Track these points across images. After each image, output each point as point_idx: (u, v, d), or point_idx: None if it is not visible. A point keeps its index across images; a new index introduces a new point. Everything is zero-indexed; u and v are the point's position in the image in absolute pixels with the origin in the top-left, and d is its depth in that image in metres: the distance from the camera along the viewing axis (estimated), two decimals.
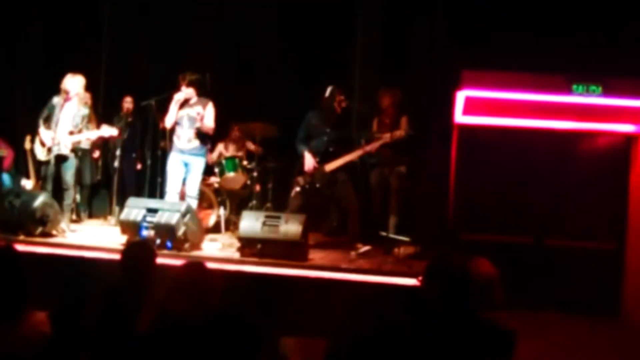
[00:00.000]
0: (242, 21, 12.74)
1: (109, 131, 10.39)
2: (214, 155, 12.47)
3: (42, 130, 10.41)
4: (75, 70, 10.59)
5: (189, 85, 10.21)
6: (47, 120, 10.39)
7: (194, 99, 10.27)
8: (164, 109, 10.37)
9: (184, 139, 10.19)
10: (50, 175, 10.45)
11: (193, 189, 10.25)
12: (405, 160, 10.34)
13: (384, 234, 10.27)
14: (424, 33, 10.01)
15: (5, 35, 12.16)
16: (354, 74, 11.82)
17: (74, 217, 11.12)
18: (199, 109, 10.23)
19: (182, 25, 12.74)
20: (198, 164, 10.28)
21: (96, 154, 12.49)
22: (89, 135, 10.36)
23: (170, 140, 10.44)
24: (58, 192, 10.48)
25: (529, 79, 10.35)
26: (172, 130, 10.35)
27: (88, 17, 13.32)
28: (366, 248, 9.89)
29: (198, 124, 10.17)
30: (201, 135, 10.21)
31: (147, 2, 12.87)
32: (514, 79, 10.34)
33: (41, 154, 10.45)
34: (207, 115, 10.23)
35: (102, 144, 12.32)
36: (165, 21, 12.77)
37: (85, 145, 11.09)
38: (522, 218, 10.59)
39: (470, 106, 10.32)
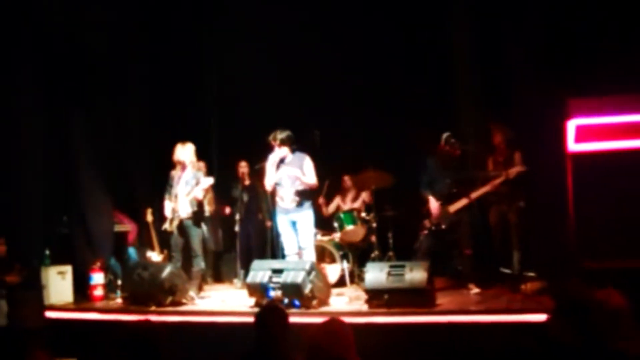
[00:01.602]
0: (345, 74, 12.88)
1: (207, 181, 10.59)
2: (331, 208, 12.65)
3: (166, 203, 10.75)
4: (186, 139, 10.90)
5: (281, 144, 10.22)
6: (169, 194, 10.71)
7: (290, 157, 10.29)
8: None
9: (287, 199, 10.23)
10: (176, 244, 10.75)
11: (307, 241, 10.28)
12: (522, 194, 10.30)
13: (505, 270, 10.24)
14: (525, 66, 9.97)
15: (116, 110, 12.51)
16: (460, 115, 11.83)
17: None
18: (296, 165, 10.24)
19: (287, 84, 12.96)
20: (306, 218, 10.29)
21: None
22: (195, 194, 10.55)
23: (274, 202, 10.55)
24: (186, 261, 10.76)
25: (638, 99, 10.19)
26: (274, 191, 10.44)
27: (194, 84, 13.65)
28: (476, 290, 10.04)
29: (298, 182, 10.20)
30: (304, 191, 10.25)
31: (251, 65, 13.11)
32: (623, 102, 10.20)
33: (167, 226, 10.76)
34: (307, 171, 10.23)
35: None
36: (270, 81, 13.00)
37: (207, 212, 11.33)
38: None
39: (582, 134, 10.21)
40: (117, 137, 12.62)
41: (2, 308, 9.68)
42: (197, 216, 10.67)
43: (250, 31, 13.08)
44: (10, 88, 11.08)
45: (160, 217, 11.43)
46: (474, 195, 10.27)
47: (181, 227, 10.65)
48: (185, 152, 10.70)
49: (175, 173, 10.76)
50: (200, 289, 10.91)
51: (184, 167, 10.71)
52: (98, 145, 11.84)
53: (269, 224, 12.37)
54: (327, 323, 4.92)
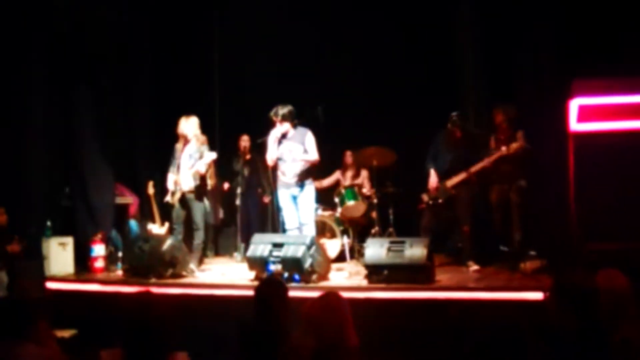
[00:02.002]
0: (349, 49, 12.87)
1: (210, 156, 10.53)
2: (327, 181, 12.69)
3: (169, 176, 10.76)
4: (189, 112, 10.90)
5: (282, 120, 10.18)
6: (173, 167, 10.73)
7: (291, 132, 10.26)
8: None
9: (289, 174, 10.22)
10: (178, 217, 10.77)
11: (307, 216, 10.29)
12: (524, 174, 10.30)
13: (505, 249, 10.27)
14: (531, 46, 9.95)
15: (119, 83, 12.50)
16: (464, 94, 11.80)
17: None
18: (298, 141, 10.24)
19: (291, 57, 12.99)
20: (307, 193, 10.29)
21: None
22: (197, 167, 10.51)
23: (276, 177, 10.55)
24: (187, 234, 10.79)
25: None
26: (276, 166, 10.45)
27: (198, 58, 13.64)
28: (475, 267, 10.14)
29: (300, 157, 10.22)
30: (305, 166, 10.25)
31: (254, 38, 13.12)
32: (627, 83, 10.18)
33: (169, 198, 10.78)
34: (309, 147, 10.23)
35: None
36: (274, 55, 13.03)
37: (208, 186, 11.32)
38: None
39: (585, 114, 10.20)
40: (119, 109, 12.62)
41: (1, 279, 9.68)
42: (200, 190, 10.64)
43: (254, 5, 13.06)
44: (14, 60, 11.07)
45: (161, 190, 11.47)
46: (473, 169, 10.29)
47: (183, 200, 10.65)
48: (189, 125, 10.68)
49: (179, 146, 10.75)
50: (200, 262, 10.92)
51: (187, 140, 10.71)
52: (100, 118, 11.84)
53: (266, 199, 12.39)
54: (322, 297, 4.94)
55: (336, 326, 4.66)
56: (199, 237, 10.66)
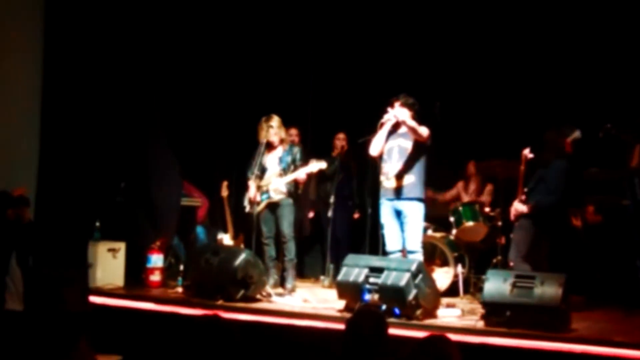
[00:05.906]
0: (472, 43, 12.63)
1: (317, 165, 10.55)
2: (450, 194, 12.54)
3: (250, 184, 10.78)
4: (278, 104, 10.85)
5: (403, 106, 9.92)
6: (251, 171, 10.79)
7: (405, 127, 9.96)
8: None
9: (393, 175, 9.89)
10: (270, 230, 10.84)
11: (414, 242, 9.93)
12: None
13: None
14: None
15: (195, 79, 12.62)
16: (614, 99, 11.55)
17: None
18: (410, 137, 9.89)
19: (400, 50, 12.88)
20: (415, 211, 9.91)
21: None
22: (298, 175, 10.55)
23: (378, 182, 10.30)
24: (259, 247, 10.79)
25: None
26: (377, 170, 10.27)
27: (291, 45, 13.61)
28: None
29: (409, 154, 9.87)
30: (411, 168, 9.89)
31: (354, 28, 13.02)
32: None
33: (250, 208, 10.81)
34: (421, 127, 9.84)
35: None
36: (381, 40, 12.93)
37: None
38: None
39: None
40: (196, 98, 12.72)
41: (17, 289, 9.36)
42: (292, 198, 10.76)
43: None
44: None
45: (237, 193, 11.43)
46: None
47: (271, 209, 10.71)
48: (271, 128, 10.75)
49: (261, 149, 10.78)
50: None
51: (272, 144, 10.75)
52: (174, 106, 11.94)
53: (356, 215, 12.23)
54: (427, 341, 4.78)
55: None
56: (290, 252, 10.76)
